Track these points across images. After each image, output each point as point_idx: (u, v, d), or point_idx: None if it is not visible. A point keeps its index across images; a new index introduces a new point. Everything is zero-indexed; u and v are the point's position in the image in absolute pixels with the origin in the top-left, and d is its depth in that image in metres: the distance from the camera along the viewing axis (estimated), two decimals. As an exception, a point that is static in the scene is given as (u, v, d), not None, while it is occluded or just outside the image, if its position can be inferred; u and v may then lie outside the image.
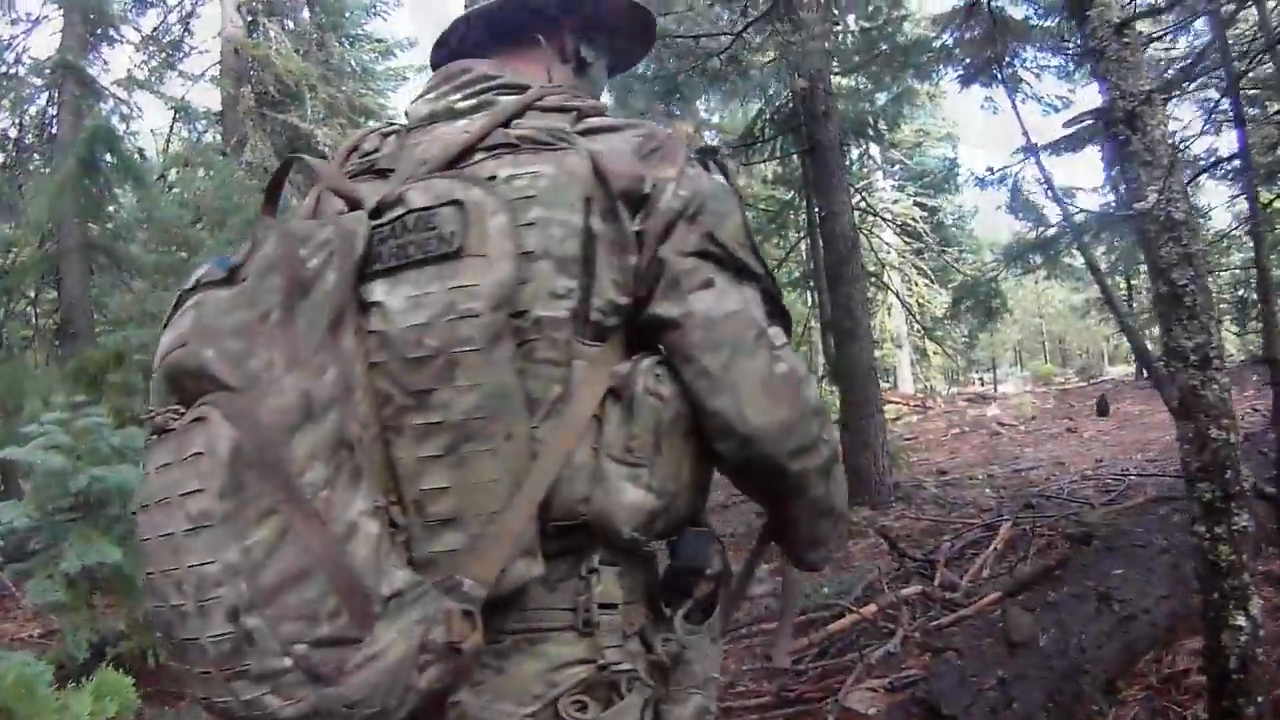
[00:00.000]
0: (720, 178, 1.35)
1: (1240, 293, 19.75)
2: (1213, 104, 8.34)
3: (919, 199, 20.90)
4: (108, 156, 10.35)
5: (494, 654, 1.21)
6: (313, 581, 1.04)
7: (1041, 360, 38.35)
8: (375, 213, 1.22)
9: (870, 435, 9.15)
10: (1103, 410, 15.42)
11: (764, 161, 11.94)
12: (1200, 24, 7.34)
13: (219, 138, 16.04)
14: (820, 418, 1.32)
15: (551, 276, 1.20)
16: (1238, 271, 19.10)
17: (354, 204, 1.25)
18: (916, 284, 17.69)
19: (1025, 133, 7.96)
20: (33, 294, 12.89)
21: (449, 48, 1.55)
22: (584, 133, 1.30)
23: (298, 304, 1.11)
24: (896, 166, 20.28)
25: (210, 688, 1.06)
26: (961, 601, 4.69)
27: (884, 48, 8.71)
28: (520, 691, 1.22)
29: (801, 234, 11.10)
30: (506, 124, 1.30)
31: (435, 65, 1.55)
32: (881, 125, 11.06)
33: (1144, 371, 21.91)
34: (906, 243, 19.22)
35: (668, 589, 1.35)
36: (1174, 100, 8.57)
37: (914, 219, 17.25)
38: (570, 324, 1.21)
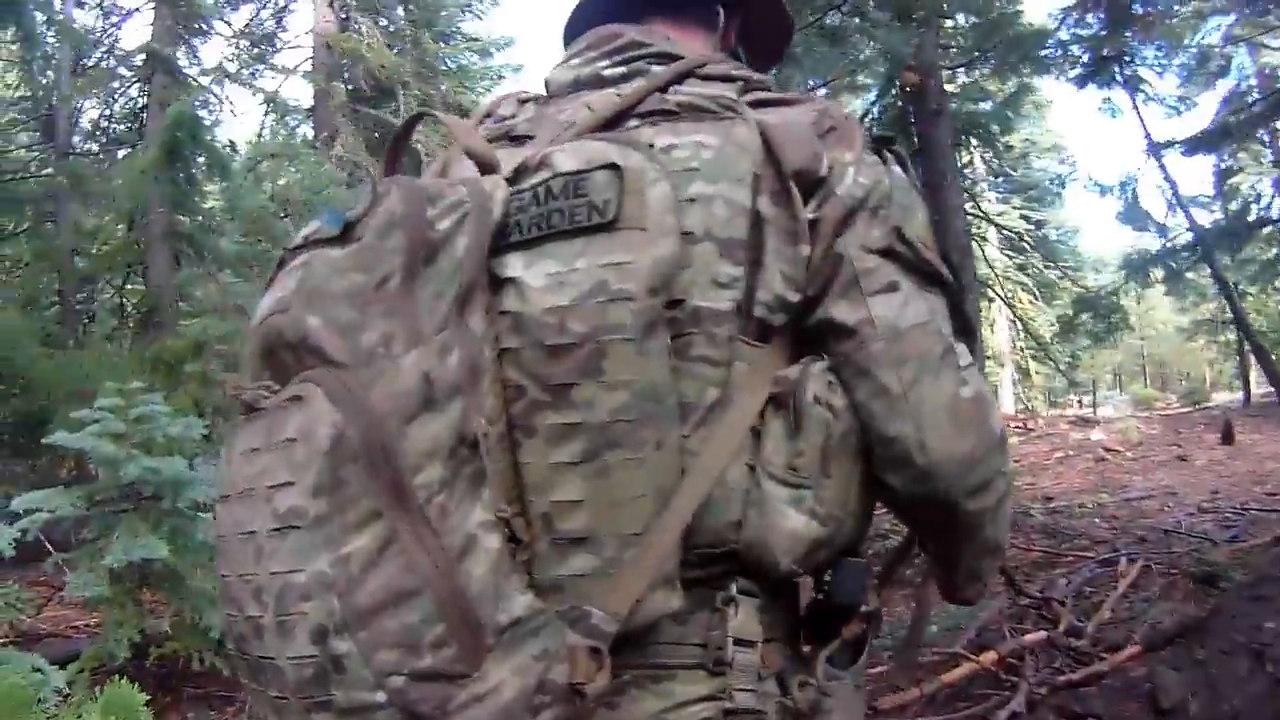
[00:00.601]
0: (899, 170, 1.15)
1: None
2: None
3: (1024, 211, 20.06)
4: (192, 144, 10.25)
5: (609, 691, 0.98)
6: (418, 603, 0.87)
7: (1141, 384, 36.95)
8: (513, 179, 1.05)
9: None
10: (1227, 438, 14.41)
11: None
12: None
13: (310, 133, 16.19)
14: (1002, 450, 1.13)
15: (714, 262, 1.04)
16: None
17: (488, 167, 1.07)
18: (1020, 299, 16.84)
19: (1148, 134, 7.46)
20: (120, 283, 12.90)
21: (587, 15, 1.36)
22: (753, 104, 1.12)
23: (422, 271, 0.94)
24: (1000, 178, 19.50)
25: (285, 716, 0.91)
26: (1089, 651, 4.14)
27: (998, 41, 8.08)
28: None
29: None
30: (664, 90, 1.14)
31: (570, 38, 1.38)
32: (994, 128, 10.43)
33: (1249, 398, 20.89)
34: (1010, 256, 18.47)
35: (812, 626, 1.19)
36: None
37: (1019, 232, 16.42)
38: (733, 318, 1.05)
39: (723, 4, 1.36)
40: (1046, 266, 18.11)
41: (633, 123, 1.12)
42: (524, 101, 1.28)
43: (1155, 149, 7.18)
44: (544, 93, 1.29)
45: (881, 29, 5.56)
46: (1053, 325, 16.96)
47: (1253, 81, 13.72)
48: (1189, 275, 9.61)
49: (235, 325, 9.81)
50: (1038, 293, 18.44)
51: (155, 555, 4.51)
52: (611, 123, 1.12)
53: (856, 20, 5.76)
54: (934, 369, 1.07)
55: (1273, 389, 22.14)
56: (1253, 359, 22.34)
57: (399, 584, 0.87)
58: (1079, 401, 28.76)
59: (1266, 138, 14.14)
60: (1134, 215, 9.12)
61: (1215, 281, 4.92)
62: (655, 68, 1.20)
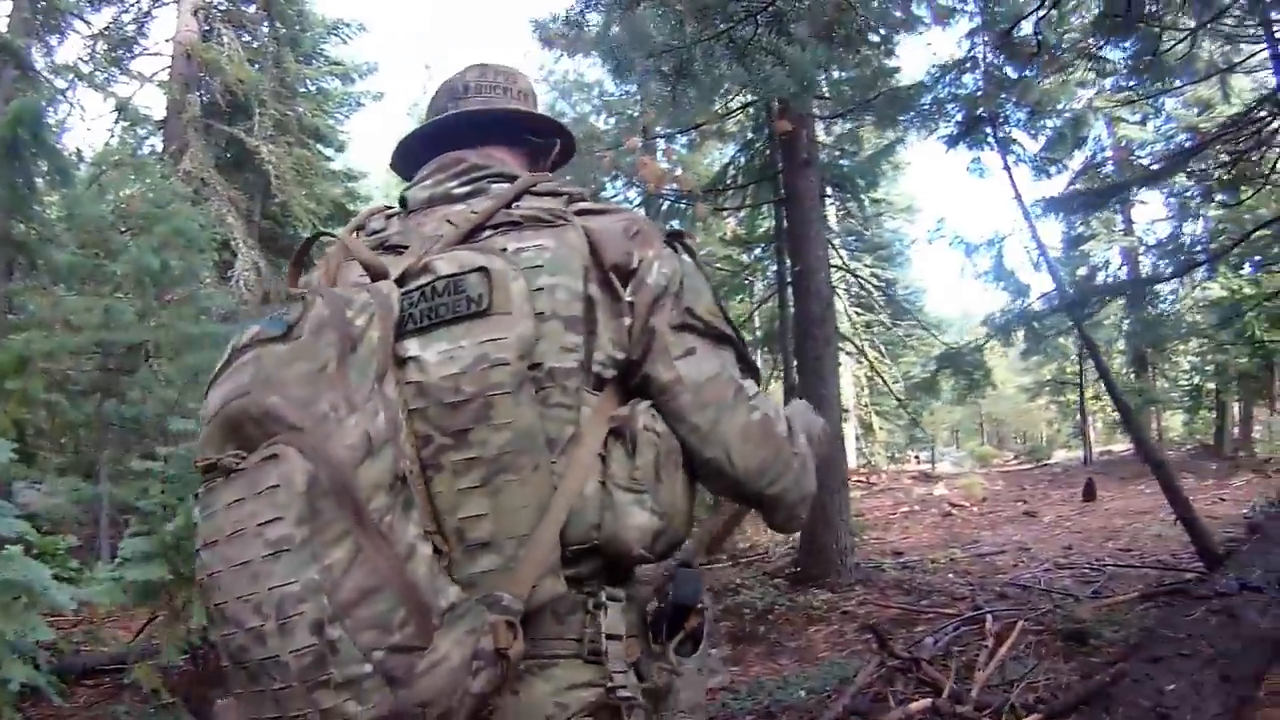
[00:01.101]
0: (688, 258, 1.56)
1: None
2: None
3: (874, 269, 20.43)
4: (34, 144, 9.46)
5: (509, 683, 1.32)
6: (384, 595, 1.19)
7: (979, 441, 38.17)
8: (400, 281, 1.39)
9: (833, 511, 8.47)
10: (1089, 495, 14.80)
11: (734, 210, 11.28)
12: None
13: (160, 145, 15.35)
14: (789, 443, 1.55)
15: (561, 334, 1.41)
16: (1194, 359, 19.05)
17: (378, 273, 1.40)
18: (866, 355, 17.06)
19: (1018, 194, 7.57)
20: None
21: (423, 144, 1.71)
22: (578, 213, 1.50)
23: (349, 357, 1.28)
24: (852, 236, 19.84)
25: (288, 703, 1.19)
26: (975, 718, 3.95)
27: (875, 94, 8.04)
28: (535, 712, 1.37)
29: (770, 290, 10.42)
30: (508, 206, 1.50)
31: (404, 164, 1.78)
32: (860, 182, 10.48)
33: (1088, 459, 21.78)
34: (858, 314, 18.75)
35: (659, 624, 1.52)
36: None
37: (874, 287, 16.66)
38: (579, 374, 1.42)
39: (537, 134, 1.75)
40: (894, 324, 18.48)
41: (486, 233, 1.46)
42: (390, 216, 1.62)
43: (1026, 209, 7.22)
44: (401, 209, 1.63)
45: (795, 46, 5.38)
46: (897, 381, 17.35)
47: (1109, 153, 14.43)
48: (1047, 335, 9.78)
49: (64, 341, 9.08)
50: (883, 349, 18.78)
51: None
52: (470, 235, 1.46)
53: (771, 36, 5.55)
54: (730, 406, 1.47)
55: (1106, 449, 23.39)
56: (1091, 419, 23.52)
57: (369, 582, 1.17)
58: (916, 457, 29.48)
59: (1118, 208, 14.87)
60: (1001, 273, 9.25)
61: (1081, 340, 5.02)
62: (495, 185, 1.56)
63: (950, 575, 9.02)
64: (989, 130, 7.59)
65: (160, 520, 5.59)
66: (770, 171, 9.75)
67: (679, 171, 13.69)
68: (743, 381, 1.52)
